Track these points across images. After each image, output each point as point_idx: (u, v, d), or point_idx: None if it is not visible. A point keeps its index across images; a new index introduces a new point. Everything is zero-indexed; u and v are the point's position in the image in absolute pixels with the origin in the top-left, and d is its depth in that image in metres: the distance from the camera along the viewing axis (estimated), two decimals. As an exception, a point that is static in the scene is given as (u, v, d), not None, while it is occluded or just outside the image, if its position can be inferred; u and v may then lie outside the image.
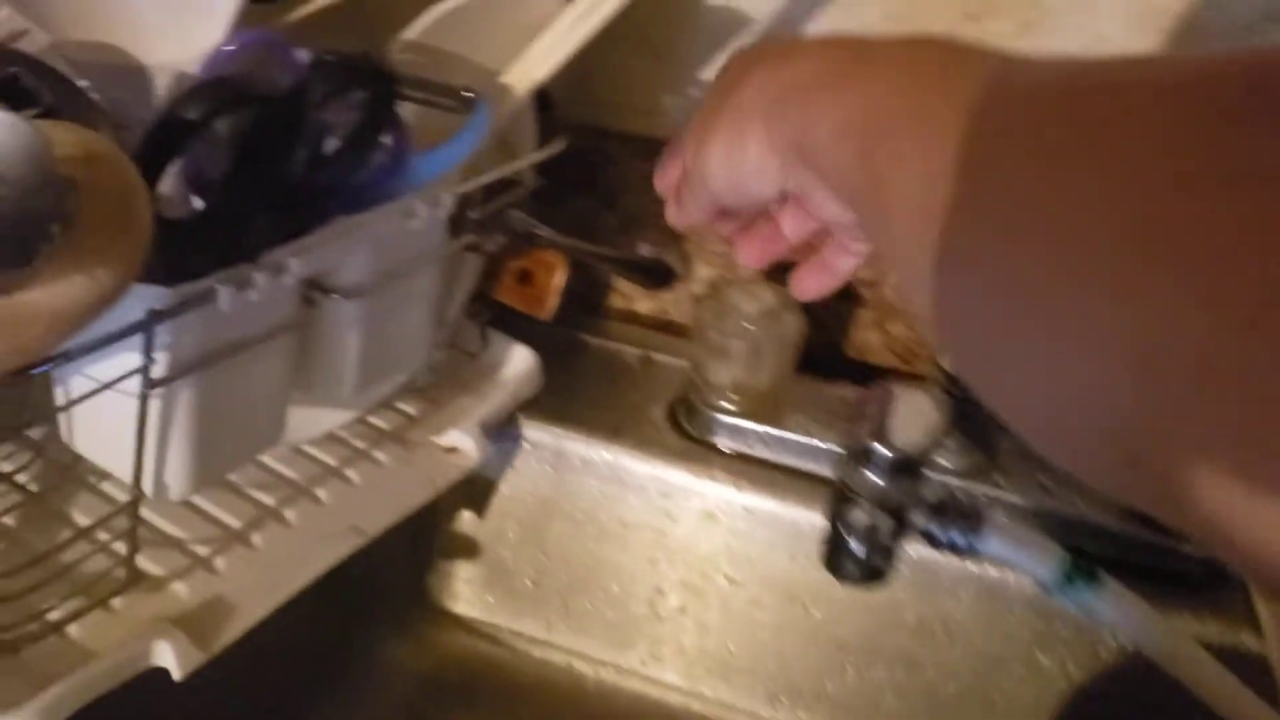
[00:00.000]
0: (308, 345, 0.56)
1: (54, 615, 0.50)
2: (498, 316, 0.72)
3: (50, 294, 0.31)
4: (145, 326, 0.43)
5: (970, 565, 0.62)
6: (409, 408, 0.69)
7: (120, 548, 0.52)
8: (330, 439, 0.65)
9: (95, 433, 0.50)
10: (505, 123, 0.58)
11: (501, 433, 0.71)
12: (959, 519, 0.48)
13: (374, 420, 0.67)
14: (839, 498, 0.49)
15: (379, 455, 0.65)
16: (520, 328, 0.73)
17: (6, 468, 0.57)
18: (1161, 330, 0.23)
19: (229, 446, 0.52)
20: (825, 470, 0.68)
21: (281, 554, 0.57)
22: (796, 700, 0.69)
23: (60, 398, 0.50)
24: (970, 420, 0.64)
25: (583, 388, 0.74)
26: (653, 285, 0.70)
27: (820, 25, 0.73)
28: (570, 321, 0.80)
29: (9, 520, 0.55)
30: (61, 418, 0.51)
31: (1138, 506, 0.26)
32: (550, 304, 0.68)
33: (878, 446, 0.46)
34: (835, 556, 0.49)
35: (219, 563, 0.56)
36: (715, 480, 0.68)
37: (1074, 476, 0.26)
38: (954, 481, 0.65)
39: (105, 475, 0.56)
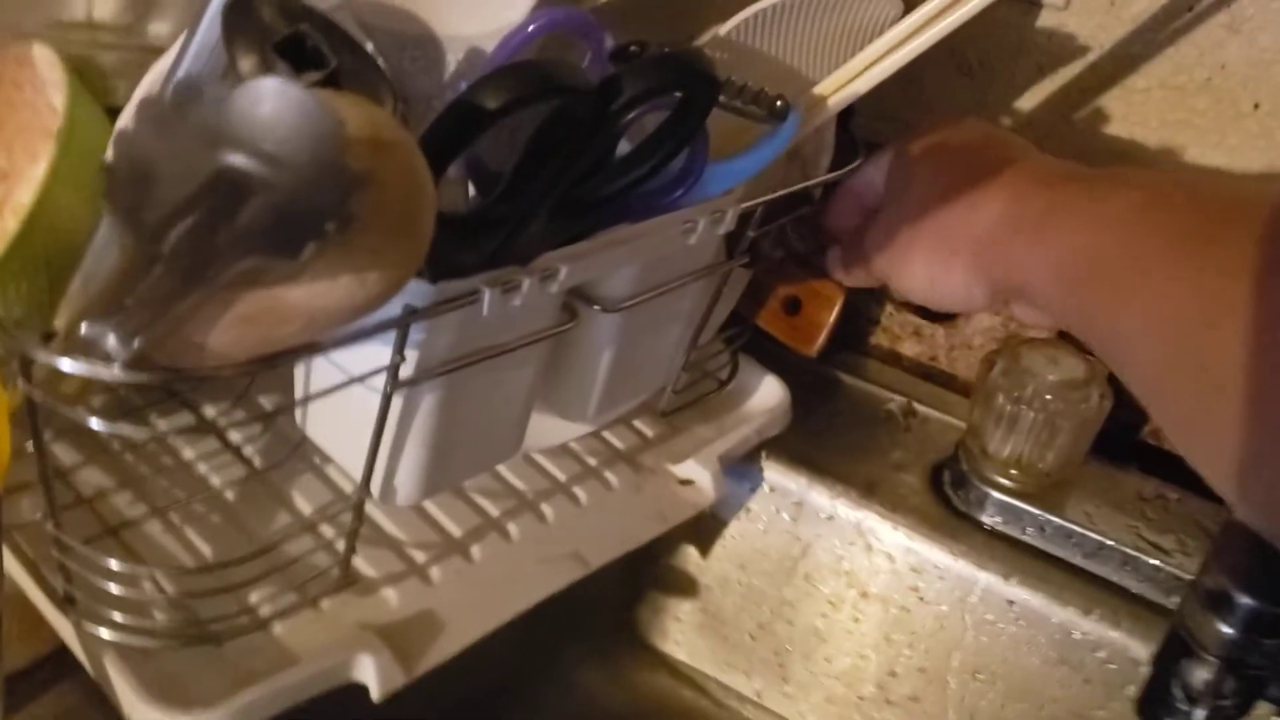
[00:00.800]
0: (557, 357, 0.51)
1: (265, 610, 0.47)
2: (751, 342, 0.66)
3: (311, 293, 0.27)
4: (400, 323, 0.39)
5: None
6: (646, 429, 0.63)
7: (339, 545, 0.48)
8: (562, 450, 0.60)
9: (331, 422, 0.46)
10: (805, 136, 0.52)
11: (740, 470, 0.64)
12: (1328, 698, 0.39)
13: (609, 436, 0.62)
14: (1177, 644, 0.40)
15: (610, 476, 0.60)
16: (772, 356, 0.66)
17: (235, 438, 0.55)
18: None
19: (465, 456, 0.47)
20: (1109, 573, 0.59)
21: (499, 573, 0.52)
22: (1032, 825, 0.61)
23: (300, 379, 0.46)
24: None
25: (836, 433, 0.67)
26: (934, 317, 0.63)
27: (1150, 57, 0.64)
28: (826, 355, 0.73)
29: (230, 495, 0.52)
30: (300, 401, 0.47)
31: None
32: (819, 341, 0.61)
33: (1237, 593, 0.37)
34: (1156, 710, 0.41)
35: (434, 572, 0.52)
36: (978, 564, 0.60)
37: None
38: None
39: (331, 458, 0.53)
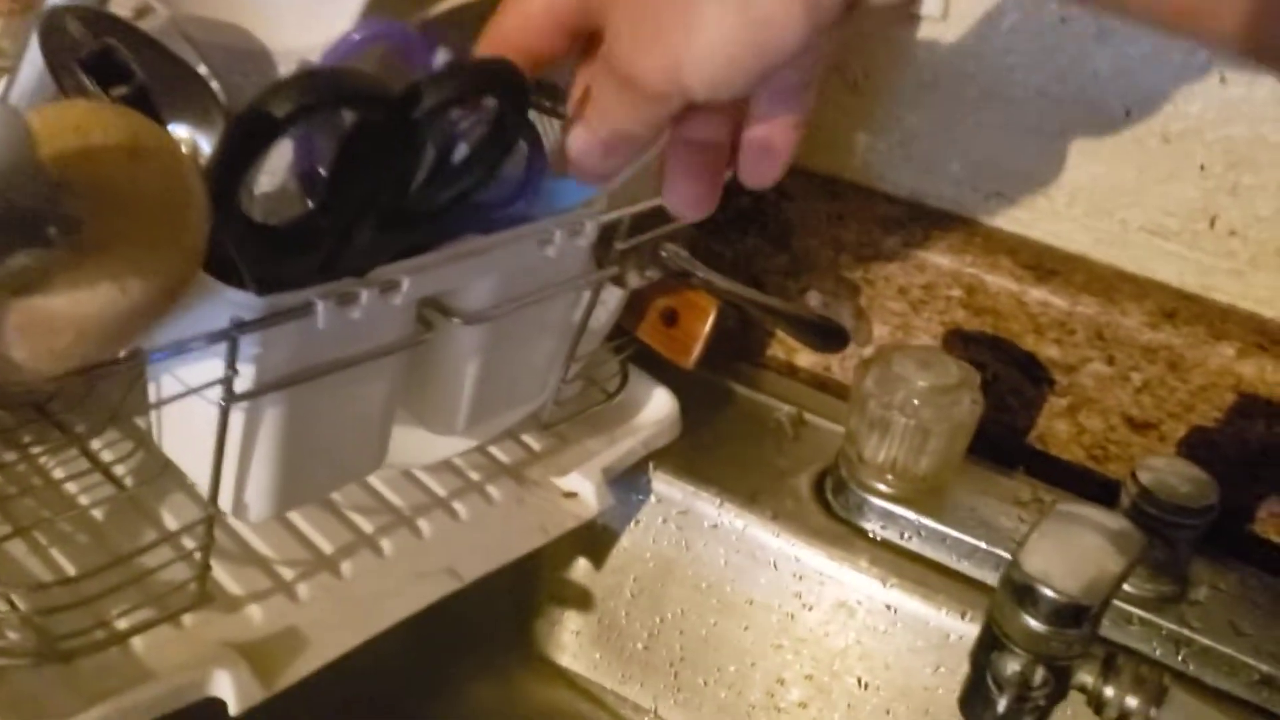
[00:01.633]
0: (421, 370, 0.51)
1: (122, 624, 0.47)
2: (642, 353, 0.67)
3: (72, 301, 0.27)
4: (227, 336, 0.39)
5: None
6: (533, 442, 0.64)
7: (199, 560, 0.48)
8: (444, 466, 0.60)
9: (181, 438, 0.46)
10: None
11: (629, 482, 0.65)
12: (1135, 687, 0.39)
13: (494, 451, 0.62)
14: (989, 638, 0.41)
15: (491, 490, 0.60)
16: (664, 368, 0.67)
17: (107, 457, 0.55)
18: None
19: (319, 472, 0.47)
20: (985, 575, 0.59)
21: (369, 589, 0.53)
22: (920, 829, 0.61)
23: (152, 397, 0.46)
24: (1163, 542, 0.55)
25: (724, 443, 0.67)
26: (822, 346, 0.63)
27: (1042, 76, 0.65)
28: (720, 366, 0.73)
29: (98, 514, 0.52)
30: (153, 417, 0.47)
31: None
32: (695, 352, 0.62)
33: (1041, 587, 0.38)
34: (975, 706, 0.41)
35: (301, 589, 0.52)
36: (858, 569, 0.60)
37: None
38: (1136, 612, 0.55)
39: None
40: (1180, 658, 0.55)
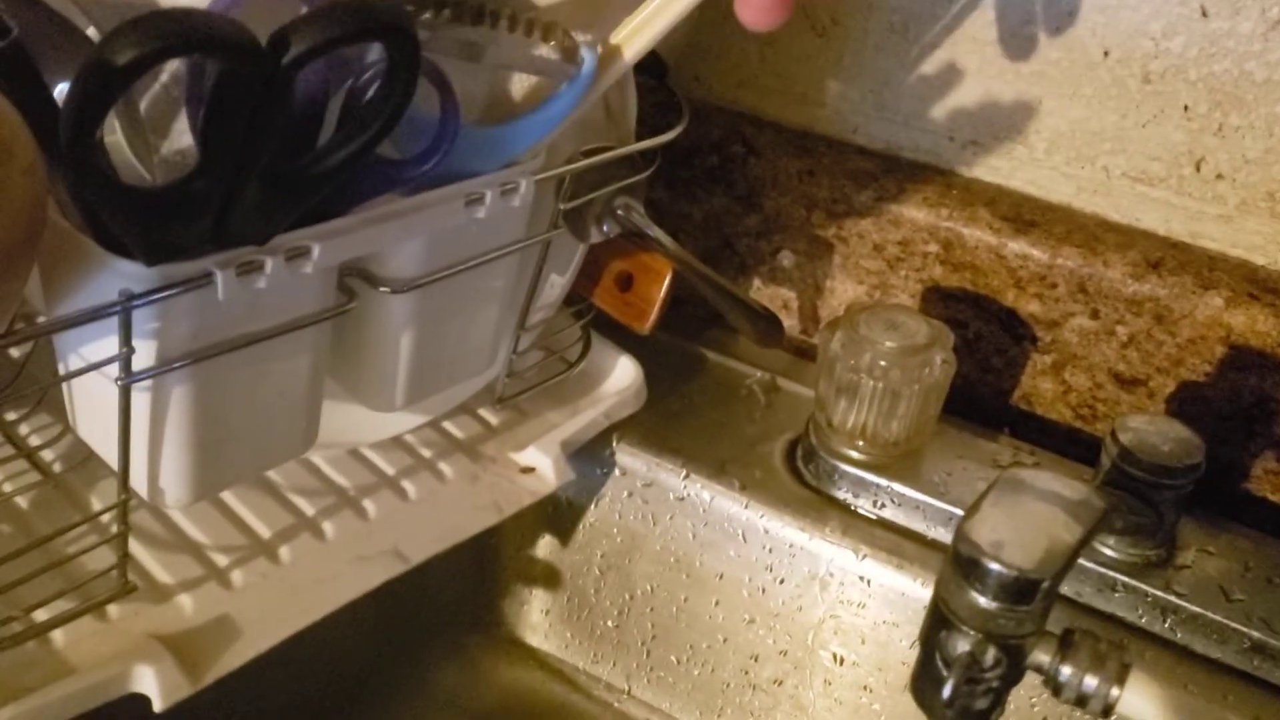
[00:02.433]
0: (351, 343, 0.48)
1: (40, 615, 0.45)
2: (606, 319, 0.64)
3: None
4: (117, 309, 0.36)
5: None
6: (490, 416, 0.61)
7: (116, 548, 0.46)
8: (394, 443, 0.58)
9: (92, 420, 0.44)
10: (610, 93, 0.49)
11: (593, 455, 0.62)
12: (1094, 666, 0.36)
13: (448, 426, 0.60)
14: (937, 616, 0.38)
15: (444, 468, 0.57)
16: (629, 334, 0.64)
17: (35, 441, 0.52)
18: None
19: (239, 454, 0.45)
20: (963, 543, 0.56)
21: (307, 575, 0.50)
22: (902, 808, 0.58)
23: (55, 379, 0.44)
24: (1146, 503, 0.52)
25: (694, 412, 0.65)
26: (756, 337, 0.59)
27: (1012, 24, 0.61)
28: (688, 331, 0.70)
29: (22, 501, 0.50)
30: (66, 399, 0.45)
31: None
32: (651, 318, 0.59)
33: (988, 560, 0.35)
34: (925, 688, 0.39)
35: (236, 576, 0.49)
36: (830, 540, 0.57)
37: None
38: (1120, 578, 0.52)
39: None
40: (1167, 625, 0.52)
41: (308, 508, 0.53)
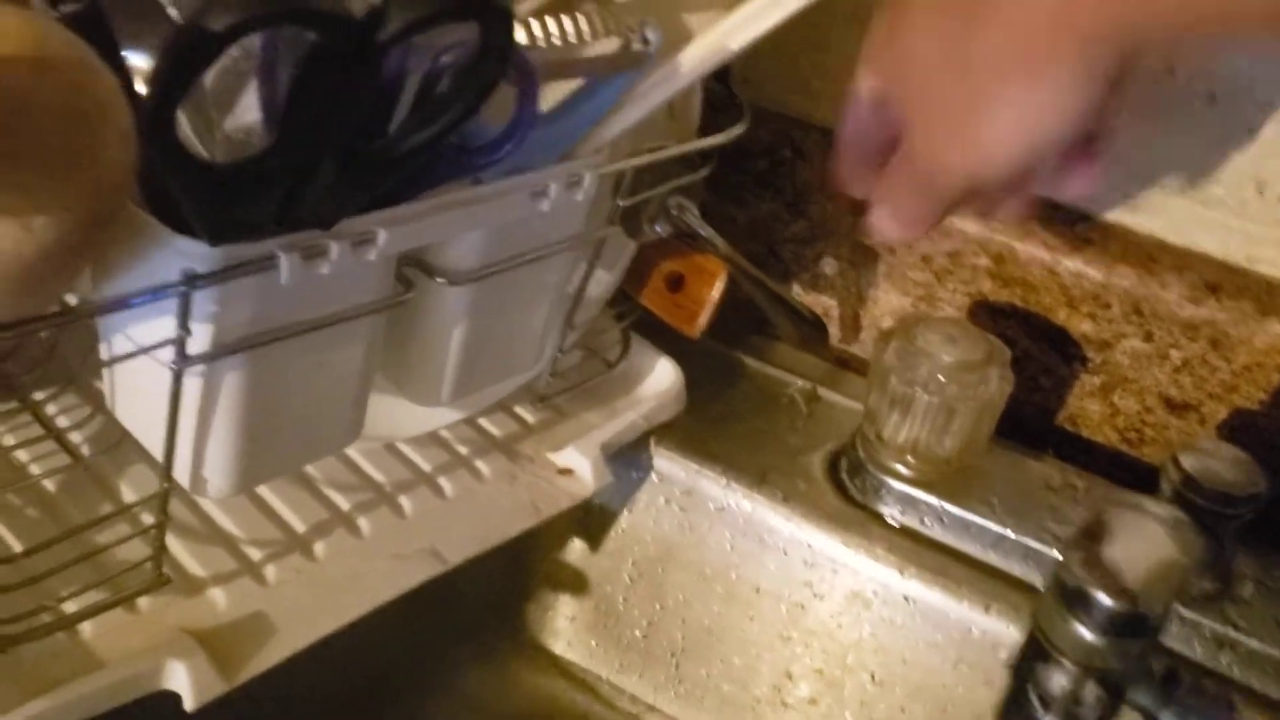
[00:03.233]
0: (401, 334, 0.46)
1: (70, 606, 0.43)
2: (645, 321, 0.62)
3: (-41, 241, 0.23)
4: (178, 289, 0.34)
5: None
6: (527, 414, 0.59)
7: (154, 538, 0.44)
8: (430, 439, 0.56)
9: (135, 404, 0.42)
10: (677, 94, 0.47)
11: (629, 459, 0.60)
12: (1198, 708, 0.35)
13: (485, 423, 0.58)
14: (1033, 648, 0.36)
15: (481, 466, 0.55)
16: (669, 337, 0.62)
17: (63, 423, 0.50)
18: None
19: (286, 444, 0.43)
20: (1012, 566, 0.55)
21: (343, 572, 0.48)
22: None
23: (105, 358, 0.42)
24: (1207, 534, 0.50)
25: (732, 419, 0.63)
26: (799, 340, 0.58)
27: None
28: (729, 337, 0.69)
29: (49, 484, 0.48)
30: (106, 381, 0.43)
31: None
32: (702, 320, 0.57)
33: (1096, 592, 0.34)
34: (1016, 721, 0.37)
35: (270, 571, 0.47)
36: (874, 557, 0.56)
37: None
38: (1176, 610, 0.51)
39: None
40: (1224, 661, 0.50)
41: (343, 503, 0.51)
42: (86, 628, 0.43)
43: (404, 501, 0.52)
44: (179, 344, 0.36)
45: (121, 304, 0.34)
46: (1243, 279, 0.60)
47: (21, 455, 0.49)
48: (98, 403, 0.51)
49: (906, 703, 0.56)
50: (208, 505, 0.49)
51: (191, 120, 0.38)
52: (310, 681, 0.58)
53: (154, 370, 0.38)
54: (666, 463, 0.60)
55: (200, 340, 0.37)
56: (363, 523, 0.51)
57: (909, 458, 0.56)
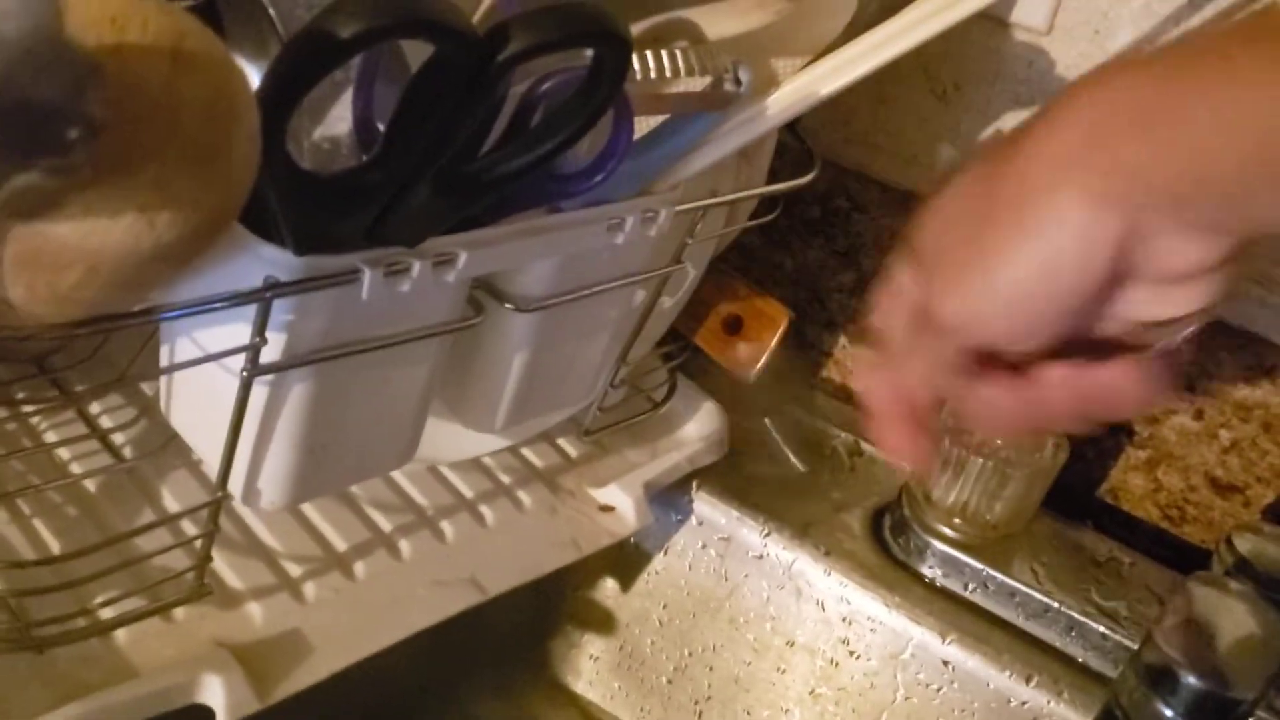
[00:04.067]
0: (463, 358, 0.46)
1: (106, 612, 0.42)
2: (690, 363, 0.62)
3: (84, 230, 0.22)
4: (259, 296, 0.34)
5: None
6: (570, 448, 0.59)
7: (200, 548, 0.43)
8: (472, 465, 0.55)
9: (194, 411, 0.41)
10: (756, 139, 0.47)
11: (670, 501, 0.60)
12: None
13: (527, 453, 0.57)
14: (1115, 727, 0.36)
15: (523, 496, 0.55)
16: (712, 380, 0.62)
17: (107, 423, 0.50)
18: None
19: (343, 461, 0.42)
20: (1054, 638, 0.54)
21: (383, 595, 0.47)
22: None
23: (164, 361, 0.41)
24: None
25: (774, 468, 0.62)
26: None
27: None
28: (771, 384, 0.68)
29: (90, 486, 0.47)
30: (163, 384, 0.42)
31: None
32: (759, 364, 0.56)
33: (1184, 673, 0.33)
34: (1087, 802, 0.36)
35: (309, 589, 0.47)
36: (914, 618, 0.55)
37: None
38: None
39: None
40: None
41: (385, 524, 0.50)
42: (121, 635, 0.42)
43: (445, 526, 0.51)
44: (253, 351, 0.35)
45: (203, 307, 0.33)
46: (1299, 363, 0.59)
47: (63, 453, 0.48)
48: (143, 405, 0.51)
49: (937, 770, 0.55)
50: (249, 517, 0.48)
51: (281, 128, 0.38)
52: (326, 706, 0.57)
53: (219, 376, 0.37)
54: (708, 508, 0.59)
55: (273, 349, 0.36)
56: (403, 545, 0.50)
57: (956, 520, 0.55)
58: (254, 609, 0.45)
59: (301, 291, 0.34)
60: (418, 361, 0.42)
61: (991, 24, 0.63)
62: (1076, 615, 0.53)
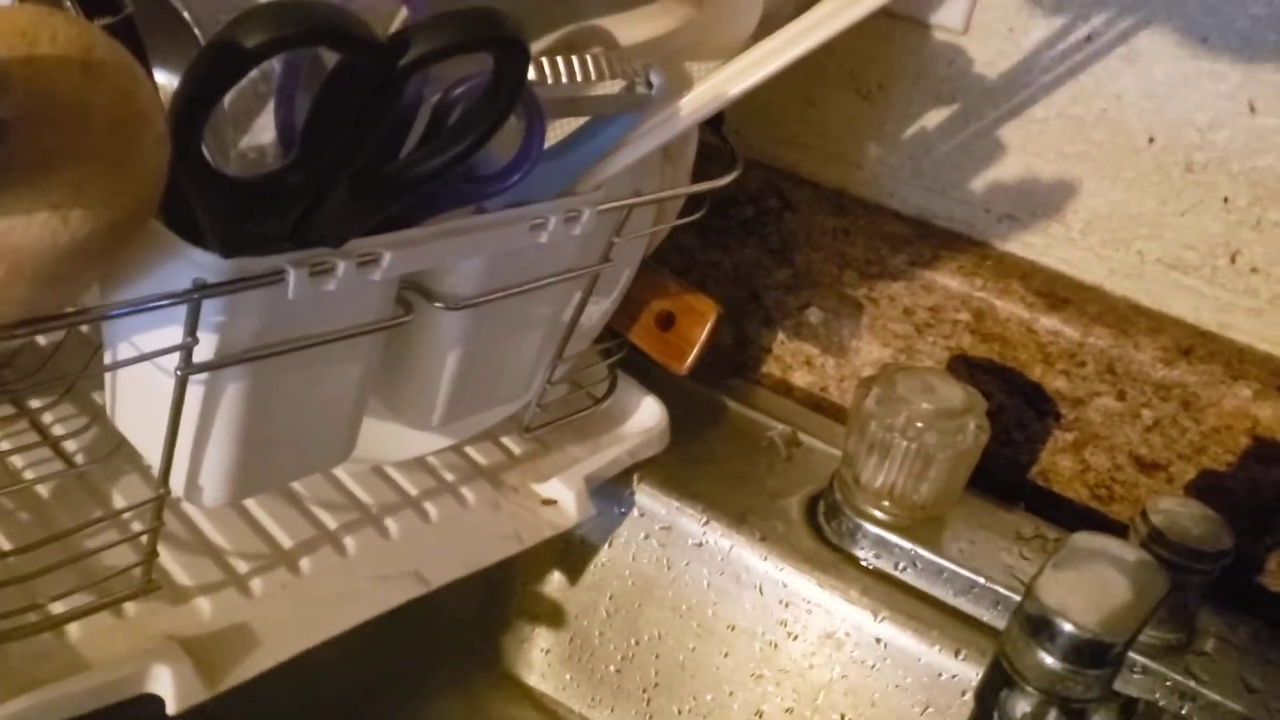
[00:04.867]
0: (396, 357, 0.48)
1: (57, 608, 0.44)
2: (632, 358, 0.64)
3: (2, 229, 0.24)
4: (188, 298, 0.36)
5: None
6: (512, 445, 0.60)
7: (145, 544, 0.45)
8: (416, 464, 0.57)
9: (134, 411, 0.43)
10: (675, 137, 0.49)
11: (612, 494, 0.61)
12: (1161, 738, 0.36)
13: (471, 451, 0.59)
14: (998, 674, 0.38)
15: (466, 493, 0.56)
16: (654, 376, 0.64)
17: (59, 431, 0.51)
18: None
19: (281, 458, 0.44)
20: (981, 612, 0.56)
21: (328, 589, 0.49)
22: None
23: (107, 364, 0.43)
24: (1173, 588, 0.51)
25: (715, 459, 0.64)
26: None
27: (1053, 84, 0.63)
28: (711, 379, 0.70)
29: (42, 490, 0.49)
30: (107, 388, 0.44)
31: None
32: (690, 358, 0.59)
33: (1060, 620, 0.35)
34: (982, 751, 0.38)
35: (256, 584, 0.48)
36: (848, 599, 0.57)
37: None
38: (1140, 659, 0.52)
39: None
40: (1184, 711, 0.52)
41: (330, 521, 0.52)
42: (73, 630, 0.44)
43: (389, 523, 0.53)
44: (185, 351, 0.37)
45: (133, 308, 0.35)
46: (1213, 343, 0.62)
47: (16, 460, 0.50)
48: (94, 413, 0.52)
49: (875, 745, 0.57)
50: (197, 516, 0.50)
51: (207, 137, 0.39)
52: (279, 703, 0.59)
53: (156, 377, 0.39)
54: (648, 499, 0.61)
55: (205, 349, 0.38)
56: (348, 542, 0.52)
57: (885, 503, 0.57)
58: (202, 604, 0.46)
59: (229, 292, 0.36)
60: (351, 360, 0.43)
61: (911, 25, 0.66)
62: (1002, 590, 0.55)
